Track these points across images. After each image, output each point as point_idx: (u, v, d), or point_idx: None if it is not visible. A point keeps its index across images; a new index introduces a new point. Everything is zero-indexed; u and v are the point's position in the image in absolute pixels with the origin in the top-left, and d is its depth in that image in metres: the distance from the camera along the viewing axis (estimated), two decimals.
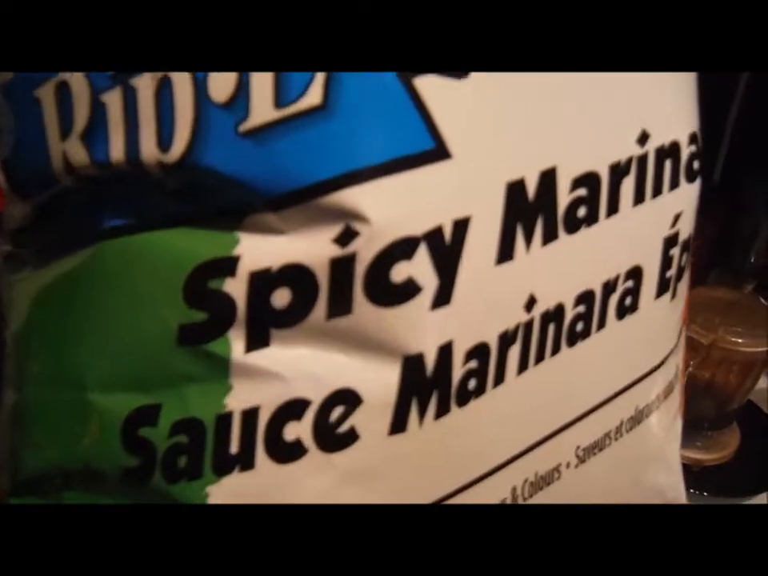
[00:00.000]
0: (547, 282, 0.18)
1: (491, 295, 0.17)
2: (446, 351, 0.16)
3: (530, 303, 0.18)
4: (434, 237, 0.15)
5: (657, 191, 0.20)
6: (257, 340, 0.15)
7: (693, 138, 0.22)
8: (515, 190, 0.16)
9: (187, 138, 0.16)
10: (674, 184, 0.21)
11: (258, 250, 0.16)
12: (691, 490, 0.53)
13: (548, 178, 0.17)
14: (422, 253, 0.15)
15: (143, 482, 0.17)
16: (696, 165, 0.22)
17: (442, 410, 0.17)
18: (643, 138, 0.19)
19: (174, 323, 0.16)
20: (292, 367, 0.15)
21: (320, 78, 0.17)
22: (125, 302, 0.17)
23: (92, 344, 0.17)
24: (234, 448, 0.16)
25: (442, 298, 0.16)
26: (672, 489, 0.26)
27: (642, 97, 0.20)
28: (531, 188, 0.17)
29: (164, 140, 0.16)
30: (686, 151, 0.21)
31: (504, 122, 0.17)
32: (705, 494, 0.53)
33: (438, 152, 0.16)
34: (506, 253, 0.17)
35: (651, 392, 0.23)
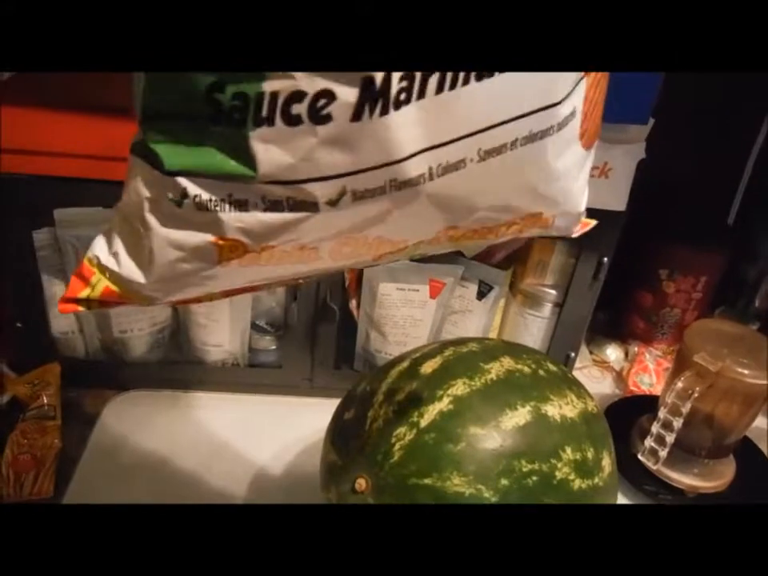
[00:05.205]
0: None
1: None
2: (387, 76, 0.26)
3: None
4: None
5: None
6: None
7: None
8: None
9: None
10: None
11: None
12: None
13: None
14: None
15: (217, 124, 0.27)
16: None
17: (384, 111, 0.26)
18: None
19: None
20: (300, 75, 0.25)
21: None
22: None
23: None
24: (264, 112, 0.26)
25: None
26: (549, 190, 0.34)
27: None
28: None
29: None
30: None
31: None
32: None
33: None
34: None
35: (546, 122, 0.31)
